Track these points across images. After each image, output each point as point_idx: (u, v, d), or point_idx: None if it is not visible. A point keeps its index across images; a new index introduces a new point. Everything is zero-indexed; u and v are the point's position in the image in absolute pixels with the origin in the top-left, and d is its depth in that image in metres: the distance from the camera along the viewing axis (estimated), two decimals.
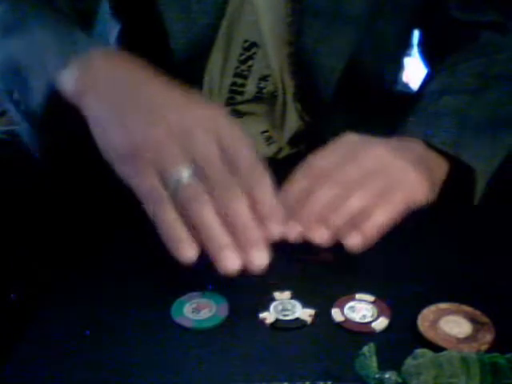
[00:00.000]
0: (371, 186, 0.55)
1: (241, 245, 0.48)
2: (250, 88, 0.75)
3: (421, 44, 0.81)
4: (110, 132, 0.52)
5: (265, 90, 0.75)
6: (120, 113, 0.52)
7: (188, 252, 0.48)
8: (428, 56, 0.80)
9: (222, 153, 0.50)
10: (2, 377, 0.45)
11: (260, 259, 0.48)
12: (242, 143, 0.51)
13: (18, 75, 0.60)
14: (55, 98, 0.56)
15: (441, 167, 0.61)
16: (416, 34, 0.82)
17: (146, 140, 0.50)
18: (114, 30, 0.82)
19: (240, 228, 0.48)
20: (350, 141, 0.59)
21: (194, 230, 0.48)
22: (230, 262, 0.47)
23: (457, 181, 0.62)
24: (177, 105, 0.52)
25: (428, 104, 0.67)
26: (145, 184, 0.49)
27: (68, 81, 0.56)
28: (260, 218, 0.49)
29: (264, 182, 0.50)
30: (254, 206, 0.49)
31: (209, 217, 0.48)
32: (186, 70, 0.65)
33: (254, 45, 0.72)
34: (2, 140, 0.69)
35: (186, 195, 0.48)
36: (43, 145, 0.62)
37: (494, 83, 0.68)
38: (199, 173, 0.49)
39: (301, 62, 0.73)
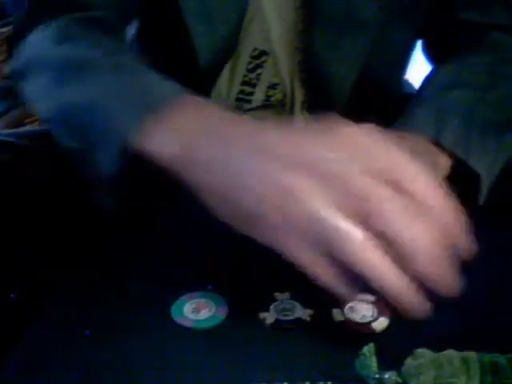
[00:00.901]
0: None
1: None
2: (258, 96, 0.75)
3: (425, 42, 0.81)
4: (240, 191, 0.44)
5: (273, 99, 0.75)
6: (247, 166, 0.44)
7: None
8: (432, 54, 0.79)
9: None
10: (1, 377, 0.45)
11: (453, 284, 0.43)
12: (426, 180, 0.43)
13: (81, 135, 0.53)
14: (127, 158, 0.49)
15: (443, 161, 0.59)
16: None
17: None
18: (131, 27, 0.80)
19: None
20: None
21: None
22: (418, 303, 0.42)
23: (459, 179, 0.61)
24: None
25: (436, 97, 0.65)
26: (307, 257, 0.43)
27: (155, 143, 0.47)
28: None
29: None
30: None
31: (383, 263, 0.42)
32: (208, 77, 0.62)
33: (263, 53, 0.72)
34: (1, 141, 0.69)
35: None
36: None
37: (501, 82, 0.67)
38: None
39: (312, 70, 0.72)
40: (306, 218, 0.42)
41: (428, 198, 0.43)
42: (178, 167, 0.46)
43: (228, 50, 0.72)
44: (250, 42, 0.72)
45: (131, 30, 0.81)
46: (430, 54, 0.80)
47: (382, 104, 0.67)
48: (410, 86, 0.89)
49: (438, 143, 0.60)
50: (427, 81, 0.70)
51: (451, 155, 0.60)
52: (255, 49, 0.72)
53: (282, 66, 0.73)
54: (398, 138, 0.53)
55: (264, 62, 0.73)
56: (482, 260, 0.57)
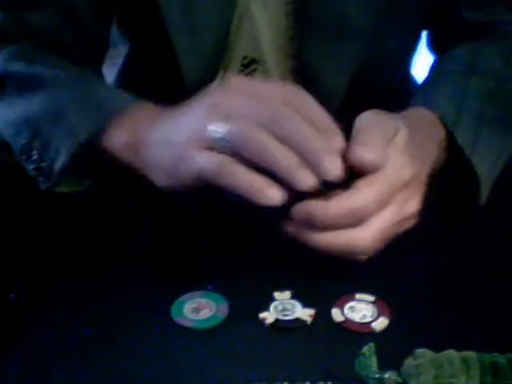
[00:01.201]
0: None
1: (311, 162, 0.48)
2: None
3: (429, 38, 0.80)
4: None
5: None
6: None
7: (274, 191, 0.48)
8: (438, 48, 0.78)
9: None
10: (1, 377, 0.45)
11: (335, 168, 0.48)
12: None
13: (37, 136, 0.60)
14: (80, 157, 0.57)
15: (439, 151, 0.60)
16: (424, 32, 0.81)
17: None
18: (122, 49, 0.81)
19: (307, 143, 0.48)
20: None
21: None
22: (306, 177, 0.48)
23: (460, 180, 0.61)
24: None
25: (457, 73, 0.65)
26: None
27: (112, 142, 0.57)
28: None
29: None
30: None
31: (273, 144, 0.48)
32: (195, 88, 0.65)
33: (253, 61, 0.72)
34: (1, 141, 0.69)
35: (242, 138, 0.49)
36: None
37: None
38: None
39: (304, 77, 0.71)
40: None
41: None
42: (127, 154, 0.56)
43: (214, 64, 0.71)
44: (240, 50, 0.72)
45: (121, 51, 0.82)
46: (434, 47, 0.79)
47: (380, 105, 0.68)
48: (415, 82, 0.88)
49: (450, 132, 0.59)
50: (446, 56, 0.70)
51: (455, 148, 0.60)
52: (245, 57, 0.72)
53: (273, 73, 0.72)
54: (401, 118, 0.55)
55: (254, 70, 0.72)
56: (482, 260, 0.58)
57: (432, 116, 0.61)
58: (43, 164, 0.59)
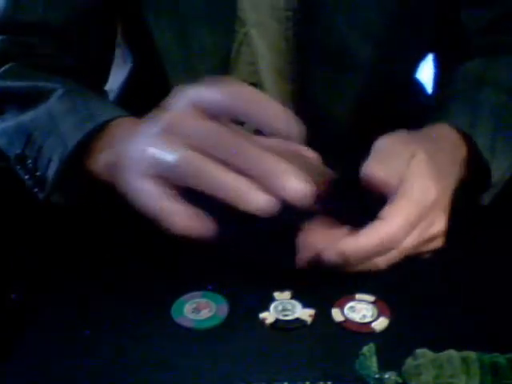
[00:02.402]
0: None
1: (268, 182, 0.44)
2: (248, 127, 0.74)
3: (436, 57, 0.79)
4: None
5: None
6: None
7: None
8: (445, 65, 0.77)
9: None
10: (2, 377, 0.45)
11: (298, 186, 0.44)
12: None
13: (31, 143, 0.60)
14: (71, 166, 0.58)
15: (461, 165, 0.59)
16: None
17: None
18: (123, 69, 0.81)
19: (261, 165, 0.44)
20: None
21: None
22: (260, 198, 0.44)
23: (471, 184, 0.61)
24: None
25: (470, 90, 0.65)
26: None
27: (93, 159, 0.57)
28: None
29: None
30: None
31: (220, 173, 0.45)
32: None
33: (252, 86, 0.71)
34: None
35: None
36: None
37: None
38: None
39: (303, 103, 0.71)
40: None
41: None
42: (110, 175, 0.54)
43: None
44: (239, 75, 0.71)
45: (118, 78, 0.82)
46: (443, 65, 0.78)
47: (387, 124, 0.68)
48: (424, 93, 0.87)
49: (469, 138, 0.59)
50: (456, 73, 0.69)
51: (475, 155, 0.59)
52: (244, 81, 0.71)
53: (273, 98, 0.72)
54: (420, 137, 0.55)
55: None
56: (482, 260, 0.58)
57: (450, 132, 0.60)
58: (38, 174, 0.60)
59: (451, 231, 0.57)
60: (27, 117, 0.62)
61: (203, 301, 0.52)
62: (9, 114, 0.65)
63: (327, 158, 0.72)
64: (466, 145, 0.60)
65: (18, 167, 0.61)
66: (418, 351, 0.44)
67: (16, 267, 0.56)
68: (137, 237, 0.60)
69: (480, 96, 0.64)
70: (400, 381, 0.42)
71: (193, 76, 0.69)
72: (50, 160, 0.58)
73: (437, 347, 0.44)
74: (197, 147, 0.46)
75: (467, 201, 0.61)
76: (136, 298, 0.53)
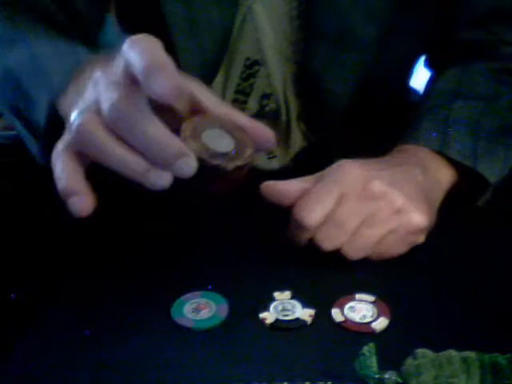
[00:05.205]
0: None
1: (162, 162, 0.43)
2: (252, 105, 0.74)
3: (426, 56, 0.80)
4: None
5: (267, 108, 0.74)
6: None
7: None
8: (434, 65, 0.78)
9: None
10: (2, 376, 0.45)
11: (188, 165, 0.43)
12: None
13: (20, 89, 0.58)
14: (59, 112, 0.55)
15: (445, 178, 0.61)
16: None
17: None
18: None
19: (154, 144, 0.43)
20: (346, 178, 0.56)
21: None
22: (159, 178, 0.43)
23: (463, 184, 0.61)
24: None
25: (439, 107, 0.66)
26: None
27: (65, 103, 0.54)
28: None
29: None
30: None
31: (117, 149, 0.44)
32: None
33: (256, 63, 0.71)
34: (1, 143, 0.70)
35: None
36: (48, 154, 0.61)
37: (506, 89, 0.67)
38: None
39: (306, 83, 0.71)
40: None
41: None
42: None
43: (215, 64, 0.71)
44: (242, 51, 0.71)
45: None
46: (431, 62, 0.79)
47: (384, 111, 0.67)
48: (415, 92, 0.89)
49: (443, 154, 0.60)
50: (429, 88, 0.70)
51: (458, 165, 0.61)
52: (248, 58, 0.71)
53: (275, 76, 0.72)
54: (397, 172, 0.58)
55: (257, 71, 0.72)
56: (482, 260, 0.58)
57: (420, 150, 0.62)
58: (32, 122, 0.58)
59: (451, 231, 0.57)
60: (12, 59, 0.60)
61: (203, 301, 0.52)
62: None
63: (329, 136, 0.73)
64: (441, 156, 0.61)
65: (15, 119, 0.60)
66: (418, 351, 0.44)
67: (16, 267, 0.56)
68: (137, 237, 0.60)
69: (453, 111, 0.65)
70: (400, 381, 0.42)
71: (198, 47, 0.69)
72: (39, 103, 0.56)
73: (437, 347, 0.44)
74: (104, 117, 0.44)
75: (467, 201, 0.62)
76: (136, 298, 0.53)
